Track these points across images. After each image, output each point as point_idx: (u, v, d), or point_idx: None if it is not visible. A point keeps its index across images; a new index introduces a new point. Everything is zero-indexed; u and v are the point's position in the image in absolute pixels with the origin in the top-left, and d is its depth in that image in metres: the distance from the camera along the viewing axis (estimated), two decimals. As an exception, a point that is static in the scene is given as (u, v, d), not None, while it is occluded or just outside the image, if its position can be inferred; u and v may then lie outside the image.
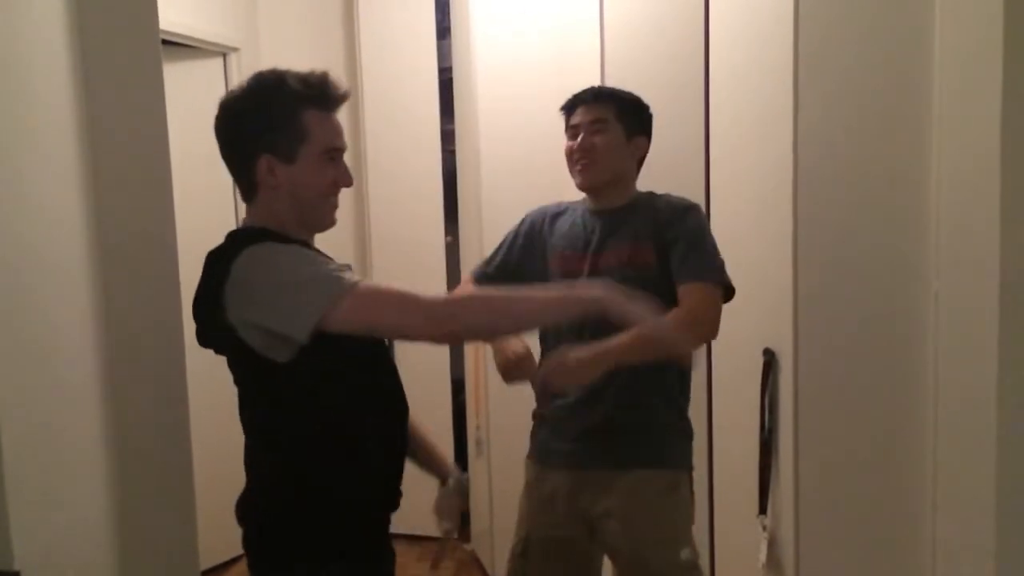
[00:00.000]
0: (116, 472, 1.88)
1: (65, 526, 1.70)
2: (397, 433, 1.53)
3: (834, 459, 1.99)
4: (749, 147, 2.28)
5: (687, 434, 2.01)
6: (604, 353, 1.69)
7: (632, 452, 1.90)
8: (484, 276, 2.05)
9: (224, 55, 3.43)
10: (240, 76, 3.40)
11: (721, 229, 2.52)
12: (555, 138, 2.45)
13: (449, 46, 3.62)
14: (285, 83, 1.39)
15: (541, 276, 2.01)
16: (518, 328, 1.39)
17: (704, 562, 2.71)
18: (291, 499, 1.44)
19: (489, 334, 1.38)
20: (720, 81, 2.49)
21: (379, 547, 1.54)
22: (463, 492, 1.74)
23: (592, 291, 1.36)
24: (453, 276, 3.59)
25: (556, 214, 2.05)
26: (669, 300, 1.86)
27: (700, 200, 2.63)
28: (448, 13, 3.58)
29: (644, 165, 2.40)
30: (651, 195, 2.00)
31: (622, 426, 1.91)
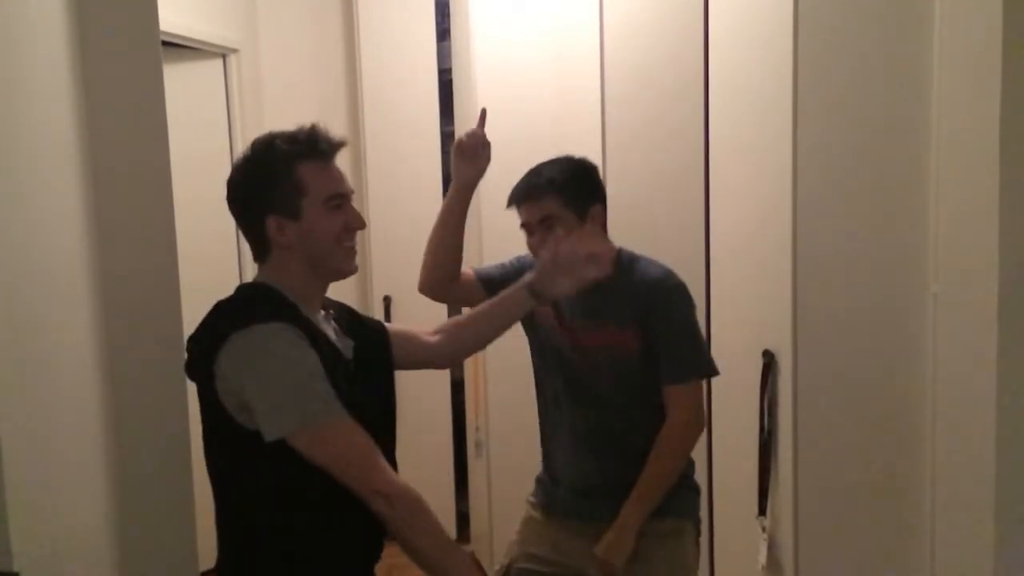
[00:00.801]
0: (115, 474, 1.88)
1: (64, 527, 1.70)
2: None
3: (833, 461, 1.99)
4: (749, 149, 2.28)
5: (693, 488, 1.99)
6: (623, 530, 1.79)
7: None
8: (483, 279, 2.04)
9: (224, 56, 3.43)
10: (240, 77, 3.40)
11: (721, 231, 2.53)
12: (555, 140, 2.44)
13: (449, 48, 3.62)
14: (274, 144, 1.43)
15: (529, 324, 1.99)
16: (417, 557, 1.42)
17: (703, 563, 2.72)
18: (265, 563, 1.44)
19: (398, 539, 1.41)
20: (720, 83, 2.49)
21: None
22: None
23: None
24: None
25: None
26: (651, 380, 1.87)
27: (699, 203, 2.63)
28: (448, 14, 3.58)
29: (645, 169, 2.40)
30: (630, 263, 1.91)
31: (628, 482, 1.88)
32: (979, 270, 1.64)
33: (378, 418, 1.49)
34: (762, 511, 2.17)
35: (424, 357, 1.71)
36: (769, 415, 2.13)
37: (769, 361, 2.11)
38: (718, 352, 2.56)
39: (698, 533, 1.98)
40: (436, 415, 3.70)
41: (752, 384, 2.16)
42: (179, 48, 3.20)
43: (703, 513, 2.70)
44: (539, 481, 2.08)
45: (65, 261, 1.75)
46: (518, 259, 2.07)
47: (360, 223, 1.48)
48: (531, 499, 2.07)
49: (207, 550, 2.04)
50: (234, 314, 1.39)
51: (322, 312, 1.53)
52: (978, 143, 1.63)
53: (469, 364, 3.52)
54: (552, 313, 1.94)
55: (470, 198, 1.95)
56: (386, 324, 1.69)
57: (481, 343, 1.77)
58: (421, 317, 3.65)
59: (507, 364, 2.98)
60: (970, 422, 1.69)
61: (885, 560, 1.95)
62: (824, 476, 2.00)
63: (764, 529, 2.16)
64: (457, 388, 3.74)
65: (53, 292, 1.70)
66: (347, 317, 1.60)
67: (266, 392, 1.33)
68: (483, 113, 1.90)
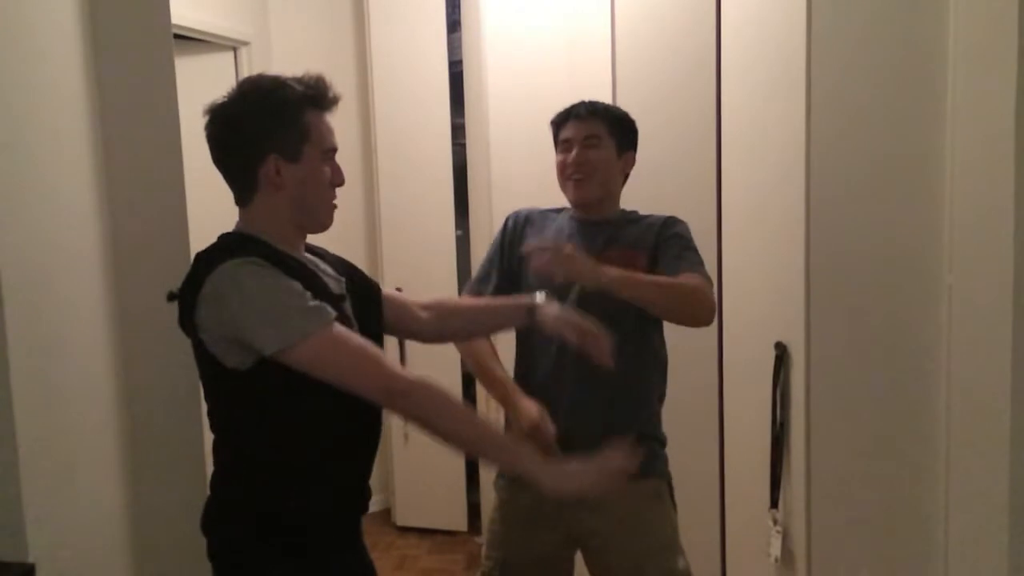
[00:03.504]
0: (129, 464, 1.89)
1: (79, 518, 1.71)
2: (364, 434, 1.52)
3: (846, 453, 1.99)
4: (762, 140, 2.27)
5: (662, 441, 1.95)
6: (601, 267, 1.69)
7: None
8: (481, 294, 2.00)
9: (235, 49, 3.44)
10: (251, 70, 3.41)
11: (733, 222, 2.52)
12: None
13: (459, 39, 3.61)
14: (287, 84, 1.42)
15: (525, 279, 1.94)
16: (451, 443, 1.39)
17: (715, 555, 2.72)
18: (252, 504, 1.43)
19: (426, 431, 1.38)
20: (732, 73, 2.48)
21: (346, 550, 1.52)
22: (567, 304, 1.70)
23: (535, 467, 1.38)
24: (463, 269, 3.59)
25: (533, 218, 2.02)
26: (648, 316, 1.82)
27: (711, 190, 2.63)
28: (458, 6, 3.58)
29: (656, 154, 2.39)
30: (635, 213, 2.00)
31: (601, 439, 1.86)
32: (994, 261, 1.63)
33: None
34: (774, 503, 2.17)
35: (410, 329, 1.71)
36: (781, 407, 2.13)
37: (781, 353, 2.11)
38: (730, 345, 2.56)
39: (672, 490, 1.94)
40: (447, 408, 3.71)
41: (764, 376, 2.15)
42: (191, 41, 3.21)
43: (715, 506, 2.70)
44: None
45: (81, 252, 1.76)
46: (510, 227, 2.04)
47: (343, 179, 1.49)
48: (499, 480, 2.00)
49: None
50: (208, 261, 1.37)
51: (308, 255, 1.51)
52: (993, 133, 1.62)
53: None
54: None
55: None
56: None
57: (467, 337, 1.78)
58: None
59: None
60: (984, 413, 1.68)
61: (898, 552, 1.95)
62: (837, 468, 2.00)
63: (776, 521, 2.16)
64: (468, 381, 3.74)
65: (69, 285, 1.71)
66: (343, 265, 1.58)
67: (249, 318, 1.31)
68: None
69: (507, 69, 3.11)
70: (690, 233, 1.92)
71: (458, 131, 3.66)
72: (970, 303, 1.74)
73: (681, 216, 1.96)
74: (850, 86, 1.91)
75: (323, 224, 1.48)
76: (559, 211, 2.04)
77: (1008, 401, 1.59)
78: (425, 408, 1.36)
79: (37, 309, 1.59)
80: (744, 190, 2.43)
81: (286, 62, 3.53)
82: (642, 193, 2.10)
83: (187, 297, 1.37)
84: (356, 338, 1.35)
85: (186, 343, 1.42)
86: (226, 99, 1.42)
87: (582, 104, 1.98)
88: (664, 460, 1.94)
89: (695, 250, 1.88)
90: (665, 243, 1.88)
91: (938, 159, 1.80)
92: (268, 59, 3.50)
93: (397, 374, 1.35)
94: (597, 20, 2.87)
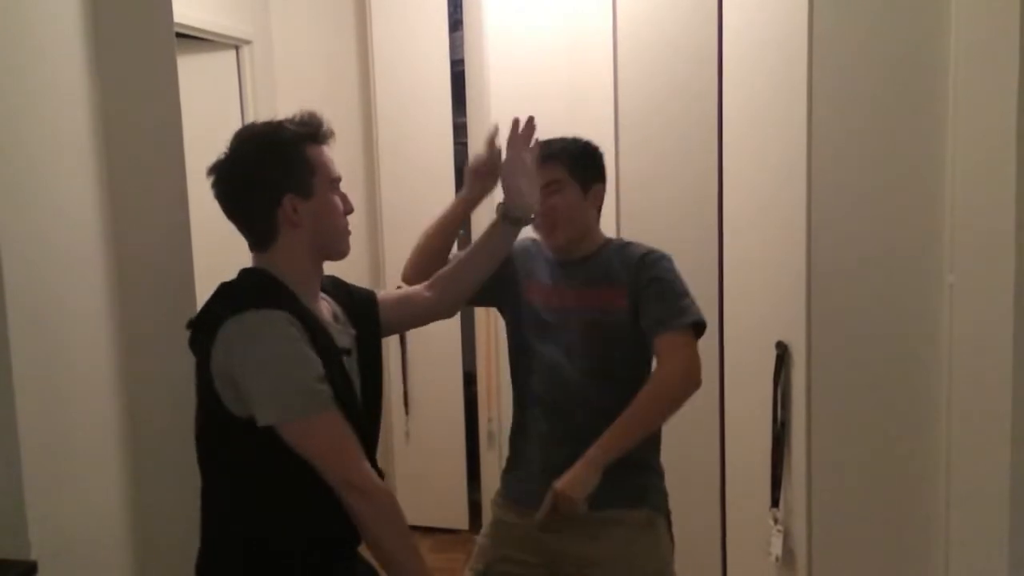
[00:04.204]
0: (131, 462, 1.90)
1: (80, 517, 1.72)
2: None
3: (847, 452, 1.99)
4: (763, 140, 2.27)
5: (659, 474, 1.92)
6: (589, 464, 1.67)
7: (606, 493, 1.77)
8: None
9: (237, 48, 3.44)
10: (253, 69, 3.40)
11: (734, 221, 2.52)
12: (567, 130, 2.41)
13: (461, 39, 3.61)
14: (282, 126, 1.45)
15: (513, 300, 1.97)
16: (380, 554, 1.45)
17: (716, 554, 2.72)
18: (249, 539, 1.45)
19: (368, 535, 1.43)
20: (733, 73, 2.48)
21: (343, 555, 1.53)
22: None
23: None
24: (465, 269, 3.59)
25: (528, 248, 2.00)
26: (636, 344, 1.82)
27: (712, 190, 2.63)
28: (460, 5, 3.58)
29: (658, 155, 2.38)
30: (620, 243, 1.95)
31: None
32: (994, 261, 1.63)
33: (365, 409, 1.52)
34: (775, 502, 2.17)
35: (422, 314, 1.77)
36: (782, 406, 2.13)
37: (782, 352, 2.11)
38: (731, 344, 2.56)
39: (670, 524, 1.91)
40: (448, 407, 3.71)
41: (765, 375, 2.15)
42: (193, 40, 3.21)
43: (716, 505, 2.70)
44: (511, 479, 2.01)
45: (81, 250, 1.77)
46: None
47: (352, 207, 1.53)
48: (499, 499, 2.01)
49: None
50: (233, 298, 1.40)
51: (323, 297, 1.54)
52: (994, 133, 1.62)
53: (481, 355, 3.53)
54: (547, 283, 1.93)
55: (473, 208, 1.96)
56: (379, 292, 1.71)
57: (476, 285, 1.80)
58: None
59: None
60: (985, 413, 1.69)
61: (899, 551, 1.95)
62: (838, 467, 2.00)
63: (777, 520, 2.16)
64: (469, 380, 3.75)
65: (69, 284, 1.72)
66: (343, 295, 1.62)
67: (256, 380, 1.35)
68: (494, 130, 1.89)
69: (509, 68, 3.11)
70: (670, 268, 1.85)
71: (460, 130, 3.66)
72: (970, 303, 1.74)
73: (682, 216, 1.96)
74: (851, 86, 1.91)
75: (342, 252, 1.53)
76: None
77: (1009, 401, 1.60)
78: (376, 512, 1.41)
79: (39, 310, 1.60)
80: (745, 190, 2.43)
81: (288, 61, 3.53)
82: (643, 194, 2.11)
83: (203, 327, 1.40)
84: (340, 430, 1.39)
85: (187, 348, 1.43)
86: (227, 154, 1.46)
87: (537, 147, 1.91)
88: (662, 495, 1.90)
89: (678, 291, 1.82)
90: (644, 292, 1.82)
91: (939, 159, 1.80)
92: (270, 58, 3.50)
93: (365, 472, 1.40)
94: (599, 20, 2.87)
